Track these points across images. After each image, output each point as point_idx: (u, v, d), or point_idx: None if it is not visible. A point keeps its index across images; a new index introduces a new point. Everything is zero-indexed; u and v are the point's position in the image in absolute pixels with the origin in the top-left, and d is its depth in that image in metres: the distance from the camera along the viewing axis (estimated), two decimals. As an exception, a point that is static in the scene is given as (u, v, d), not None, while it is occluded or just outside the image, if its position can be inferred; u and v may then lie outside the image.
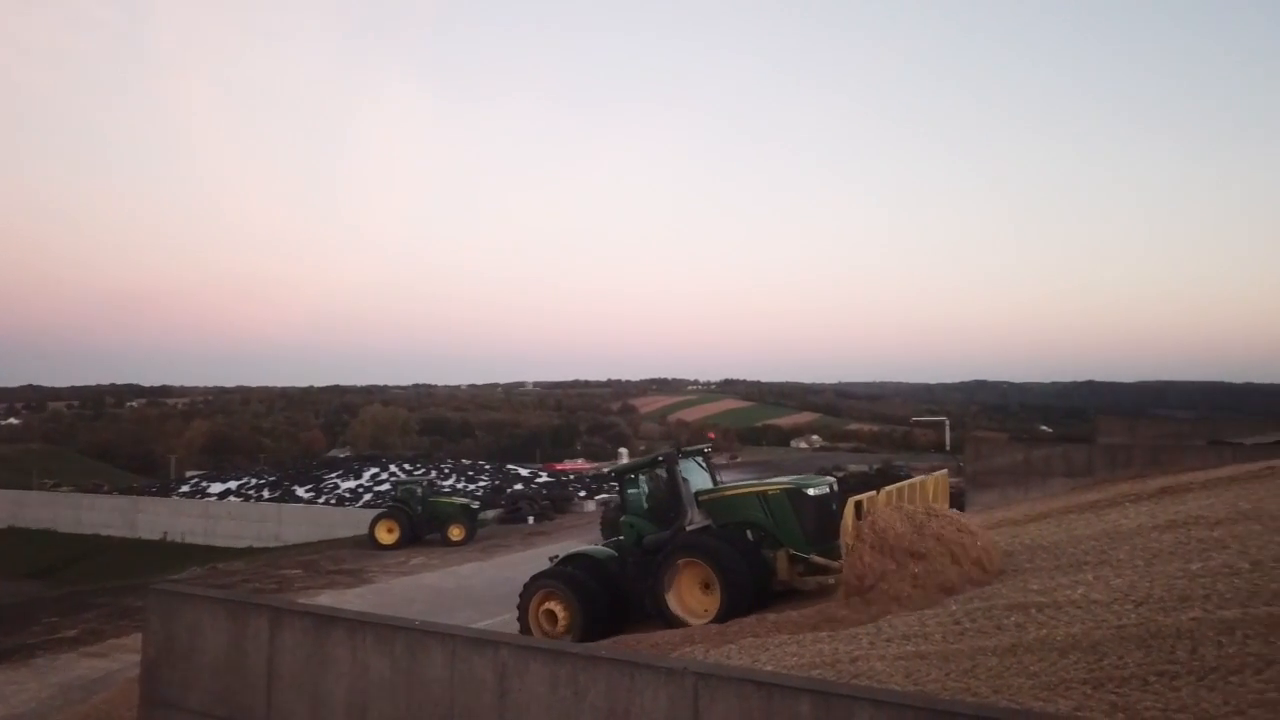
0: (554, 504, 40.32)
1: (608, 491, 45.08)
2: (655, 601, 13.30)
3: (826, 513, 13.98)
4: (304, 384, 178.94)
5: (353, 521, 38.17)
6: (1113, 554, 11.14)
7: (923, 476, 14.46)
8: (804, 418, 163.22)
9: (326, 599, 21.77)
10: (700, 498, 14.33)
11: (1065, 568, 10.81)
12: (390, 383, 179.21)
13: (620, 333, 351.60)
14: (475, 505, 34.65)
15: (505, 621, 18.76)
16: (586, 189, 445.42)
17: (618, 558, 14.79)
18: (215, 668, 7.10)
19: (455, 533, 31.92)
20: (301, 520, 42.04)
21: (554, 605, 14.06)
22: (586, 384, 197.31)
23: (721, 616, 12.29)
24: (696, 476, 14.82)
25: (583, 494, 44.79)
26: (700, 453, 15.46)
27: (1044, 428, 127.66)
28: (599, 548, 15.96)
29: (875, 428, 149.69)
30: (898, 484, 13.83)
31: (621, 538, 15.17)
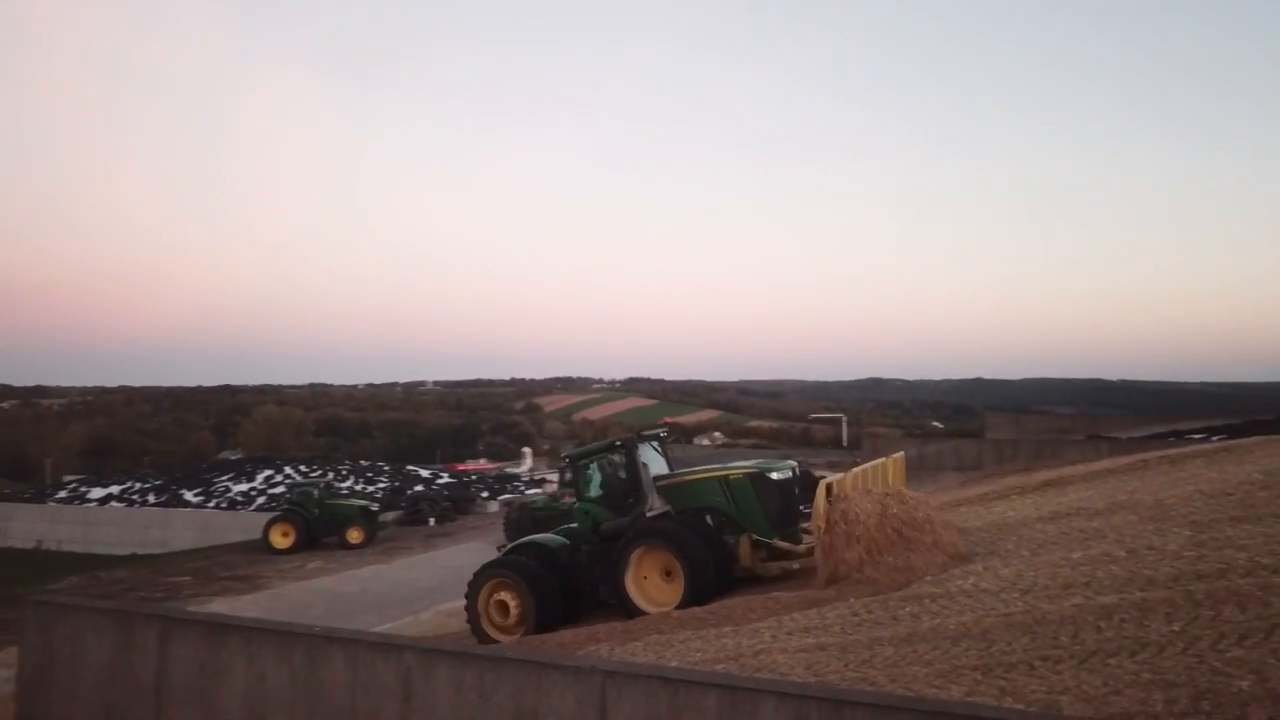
0: (456, 505, 39.70)
1: (511, 491, 44.73)
2: (615, 590, 12.97)
3: (789, 497, 13.86)
4: (192, 383, 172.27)
5: (245, 526, 36.81)
6: (1000, 545, 11.63)
7: (883, 459, 14.30)
8: (707, 415, 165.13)
9: (219, 606, 20.94)
10: (659, 483, 13.94)
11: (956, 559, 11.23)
12: (284, 382, 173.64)
13: (524, 331, 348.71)
14: (374, 507, 33.85)
15: (407, 625, 18.46)
16: (490, 184, 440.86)
17: (570, 546, 14.35)
18: (100, 682, 6.76)
19: (354, 535, 31.12)
20: (190, 525, 40.34)
21: (505, 596, 13.57)
22: (489, 383, 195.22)
23: (684, 604, 12.00)
24: (653, 462, 14.42)
25: (485, 494, 44.22)
26: (657, 437, 14.98)
27: (936, 424, 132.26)
28: (551, 536, 15.35)
29: (775, 424, 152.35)
30: (862, 467, 13.68)
31: (574, 525, 14.73)
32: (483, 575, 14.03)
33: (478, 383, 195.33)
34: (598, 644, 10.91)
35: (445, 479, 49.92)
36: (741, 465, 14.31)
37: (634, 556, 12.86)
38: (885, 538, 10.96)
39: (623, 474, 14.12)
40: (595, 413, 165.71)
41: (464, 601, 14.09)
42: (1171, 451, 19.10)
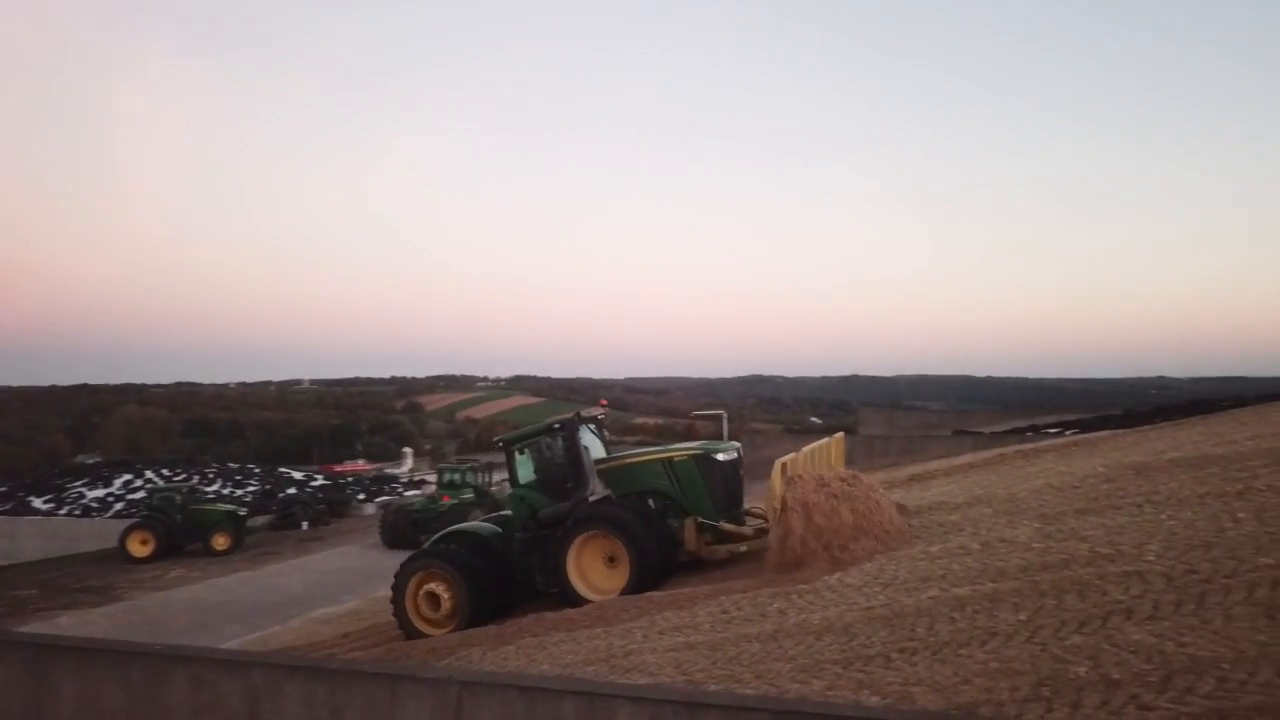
0: (330, 508, 38.52)
1: (389, 493, 43.70)
2: (556, 578, 12.52)
3: (734, 478, 13.59)
4: (45, 382, 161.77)
5: (101, 534, 34.78)
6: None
7: (826, 439, 14.07)
8: (593, 412, 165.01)
9: (68, 621, 19.71)
10: (598, 467, 13.49)
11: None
12: (149, 381, 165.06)
13: (405, 328, 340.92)
14: (242, 512, 32.53)
15: (275, 634, 17.77)
16: (373, 175, 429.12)
17: (503, 534, 13.87)
18: (-90, 712, 6.21)
19: (220, 542, 29.80)
20: (38, 534, 37.82)
21: (436, 587, 12.98)
22: (368, 381, 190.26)
23: (629, 590, 11.68)
24: (591, 445, 13.95)
25: (361, 496, 43.04)
26: (594, 420, 14.47)
27: (814, 419, 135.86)
28: (482, 523, 14.84)
29: (660, 421, 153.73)
30: (810, 446, 13.38)
31: (507, 512, 14.30)
32: (410, 566, 13.43)
33: (356, 381, 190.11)
34: (470, 648, 10.73)
35: (320, 481, 48.35)
36: (686, 447, 14.02)
37: (576, 543, 12.41)
38: (842, 520, 10.78)
39: (561, 457, 13.53)
40: (479, 411, 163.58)
41: (336, 608, 13.61)
42: (1027, 446, 20.14)
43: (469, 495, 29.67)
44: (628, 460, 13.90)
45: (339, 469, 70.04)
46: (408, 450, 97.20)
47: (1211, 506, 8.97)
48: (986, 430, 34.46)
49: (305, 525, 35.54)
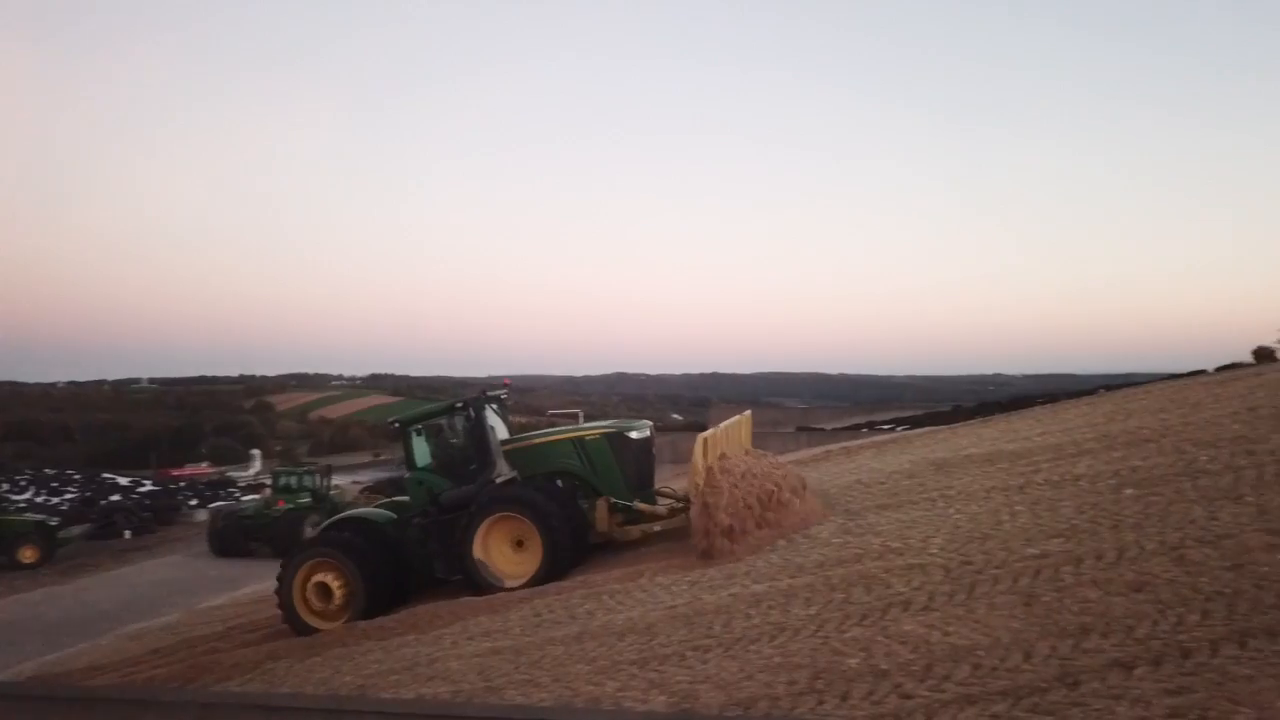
0: (157, 515, 36.30)
1: (225, 498, 41.58)
2: (460, 565, 11.93)
3: (647, 457, 13.25)
4: None
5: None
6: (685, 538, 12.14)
7: (736, 417, 13.65)
8: (497, 392, 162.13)
9: None
10: (504, 447, 12.95)
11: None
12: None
13: (254, 325, 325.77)
14: (54, 521, 30.25)
15: (81, 652, 16.57)
16: (220, 165, 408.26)
17: (398, 520, 13.14)
18: None
19: (27, 554, 27.63)
20: None
21: (327, 578, 12.20)
22: (214, 380, 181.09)
23: (542, 575, 11.29)
24: (495, 425, 13.34)
25: (194, 502, 40.75)
26: (497, 399, 13.78)
27: (675, 416, 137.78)
28: (374, 509, 14.02)
29: (523, 419, 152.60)
30: (725, 424, 12.88)
31: (404, 497, 13.49)
32: (299, 556, 12.65)
33: (201, 380, 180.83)
34: (277, 661, 10.32)
35: (148, 487, 45.52)
36: (598, 425, 13.57)
37: (483, 527, 11.83)
38: (762, 500, 10.62)
39: (464, 438, 12.91)
40: (334, 411, 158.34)
41: (152, 622, 12.71)
42: (854, 443, 20.97)
43: (306, 500, 28.59)
44: (536, 440, 13.44)
45: (177, 473, 66.35)
46: (256, 452, 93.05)
47: (995, 500, 9.50)
48: (829, 427, 35.74)
49: (128, 534, 33.41)
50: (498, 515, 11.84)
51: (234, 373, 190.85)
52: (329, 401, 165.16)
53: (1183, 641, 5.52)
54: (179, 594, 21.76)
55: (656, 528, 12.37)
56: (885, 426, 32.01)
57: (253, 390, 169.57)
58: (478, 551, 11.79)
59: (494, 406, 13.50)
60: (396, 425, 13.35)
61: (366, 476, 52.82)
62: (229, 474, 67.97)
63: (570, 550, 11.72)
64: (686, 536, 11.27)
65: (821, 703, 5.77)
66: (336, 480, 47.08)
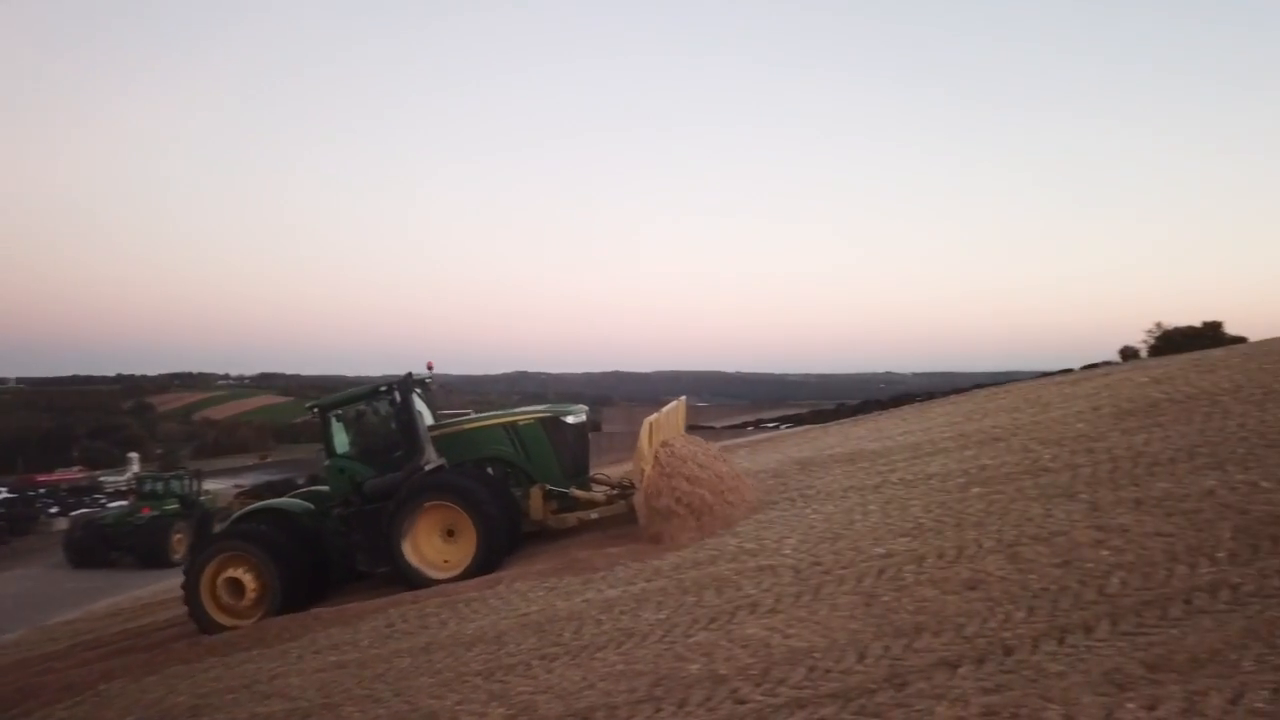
0: (11, 524, 34.03)
1: (91, 505, 39.40)
2: (388, 557, 11.30)
3: (582, 442, 12.81)
4: None
5: None
6: (556, 539, 11.96)
7: (673, 402, 13.20)
8: (422, 375, 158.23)
9: None
10: (430, 433, 12.38)
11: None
12: None
13: (133, 323, 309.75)
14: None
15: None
16: (90, 148, 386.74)
17: (315, 510, 12.48)
18: None
19: None
20: None
21: (240, 573, 11.48)
22: (89, 380, 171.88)
23: (476, 566, 10.76)
24: (422, 410, 12.76)
25: (54, 510, 38.35)
26: (421, 384, 13.12)
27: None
28: (290, 500, 13.34)
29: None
30: (665, 409, 12.42)
31: (321, 487, 12.83)
32: (208, 549, 11.88)
33: (75, 380, 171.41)
34: (111, 681, 9.73)
35: (2, 494, 42.70)
36: (532, 410, 12.94)
37: (412, 517, 11.26)
38: (708, 487, 10.42)
39: (389, 423, 12.30)
40: (220, 411, 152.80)
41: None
42: (733, 442, 21.14)
43: (173, 506, 27.27)
44: (465, 426, 12.85)
45: (43, 478, 62.58)
46: (133, 455, 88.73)
47: (850, 500, 9.64)
48: (718, 425, 36.06)
49: (-26, 547, 31.27)
50: (428, 504, 11.29)
51: (111, 372, 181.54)
52: (215, 402, 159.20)
53: (1006, 639, 5.62)
54: (29, 609, 20.47)
55: (594, 515, 11.96)
56: (770, 425, 32.46)
57: (132, 390, 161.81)
58: (406, 543, 11.24)
59: (419, 391, 12.90)
60: (315, 410, 12.60)
61: (251, 479, 50.78)
62: (101, 479, 64.51)
63: (505, 538, 11.29)
64: (625, 524, 11.04)
65: (659, 710, 5.68)
66: (214, 484, 45.20)
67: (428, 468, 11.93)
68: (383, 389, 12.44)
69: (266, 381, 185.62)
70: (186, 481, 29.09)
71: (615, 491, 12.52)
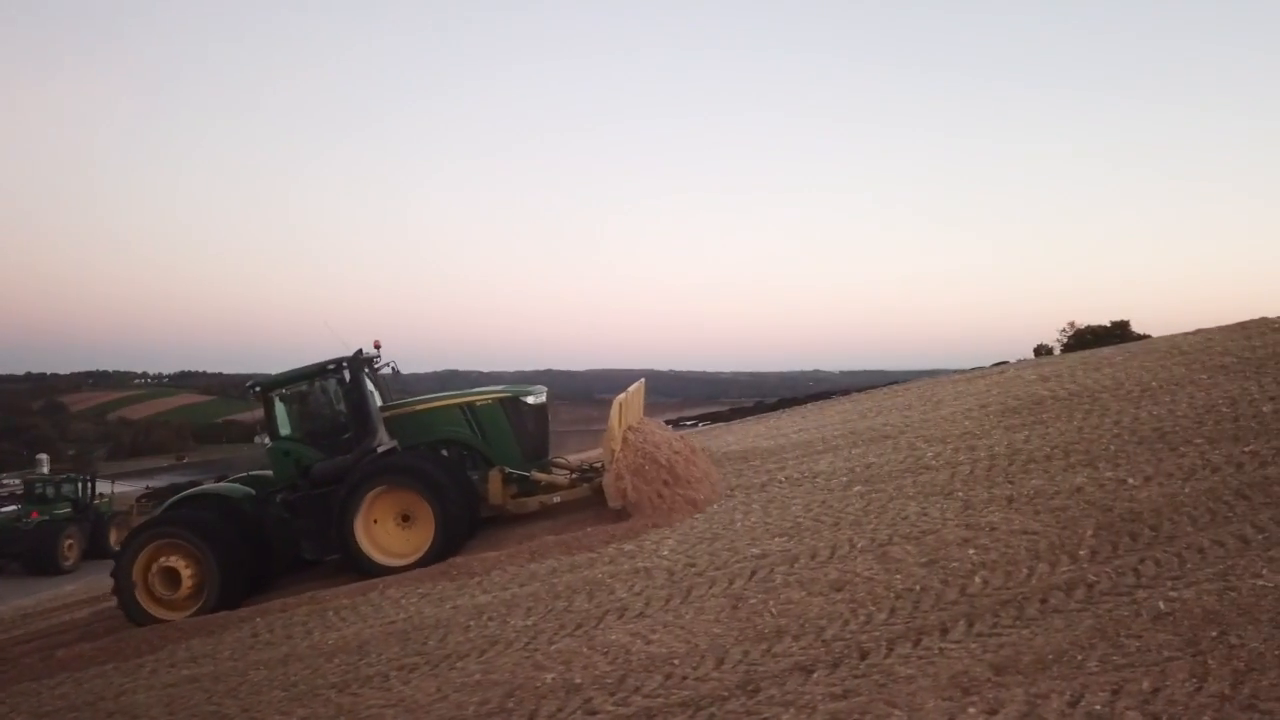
0: None
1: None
2: (338, 544, 10.66)
3: (543, 424, 12.27)
4: None
5: None
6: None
7: (636, 384, 12.84)
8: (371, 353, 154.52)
9: None
10: (381, 414, 11.70)
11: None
12: None
13: (44, 319, 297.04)
14: None
15: None
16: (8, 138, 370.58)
17: (255, 496, 11.79)
18: None
19: None
20: None
21: (175, 561, 10.70)
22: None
23: (433, 554, 10.20)
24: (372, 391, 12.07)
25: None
26: (369, 362, 12.32)
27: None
28: (229, 484, 12.54)
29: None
30: (631, 389, 12.08)
31: (263, 472, 12.15)
32: (139, 537, 11.07)
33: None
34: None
35: None
36: (490, 390, 12.31)
37: (366, 501, 10.61)
38: (679, 467, 10.13)
39: (337, 403, 11.62)
40: (136, 411, 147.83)
41: None
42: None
43: (64, 510, 26.09)
44: (418, 407, 12.21)
45: (-61, 482, 59.49)
46: (43, 457, 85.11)
47: (736, 499, 9.50)
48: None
49: None
50: (382, 488, 10.71)
51: (20, 370, 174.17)
52: (131, 401, 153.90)
53: (863, 642, 5.51)
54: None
55: (556, 499, 11.48)
56: (689, 423, 32.44)
57: (42, 389, 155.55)
58: (359, 529, 10.60)
59: (367, 370, 12.14)
60: (256, 389, 11.87)
61: (166, 481, 48.95)
62: (4, 481, 61.68)
63: (464, 523, 10.78)
64: (589, 508, 10.74)
65: (508, 722, 5.43)
66: (126, 487, 43.48)
67: (380, 450, 11.33)
68: (330, 366, 11.69)
69: (186, 380, 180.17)
70: (80, 484, 27.87)
71: (577, 475, 12.10)
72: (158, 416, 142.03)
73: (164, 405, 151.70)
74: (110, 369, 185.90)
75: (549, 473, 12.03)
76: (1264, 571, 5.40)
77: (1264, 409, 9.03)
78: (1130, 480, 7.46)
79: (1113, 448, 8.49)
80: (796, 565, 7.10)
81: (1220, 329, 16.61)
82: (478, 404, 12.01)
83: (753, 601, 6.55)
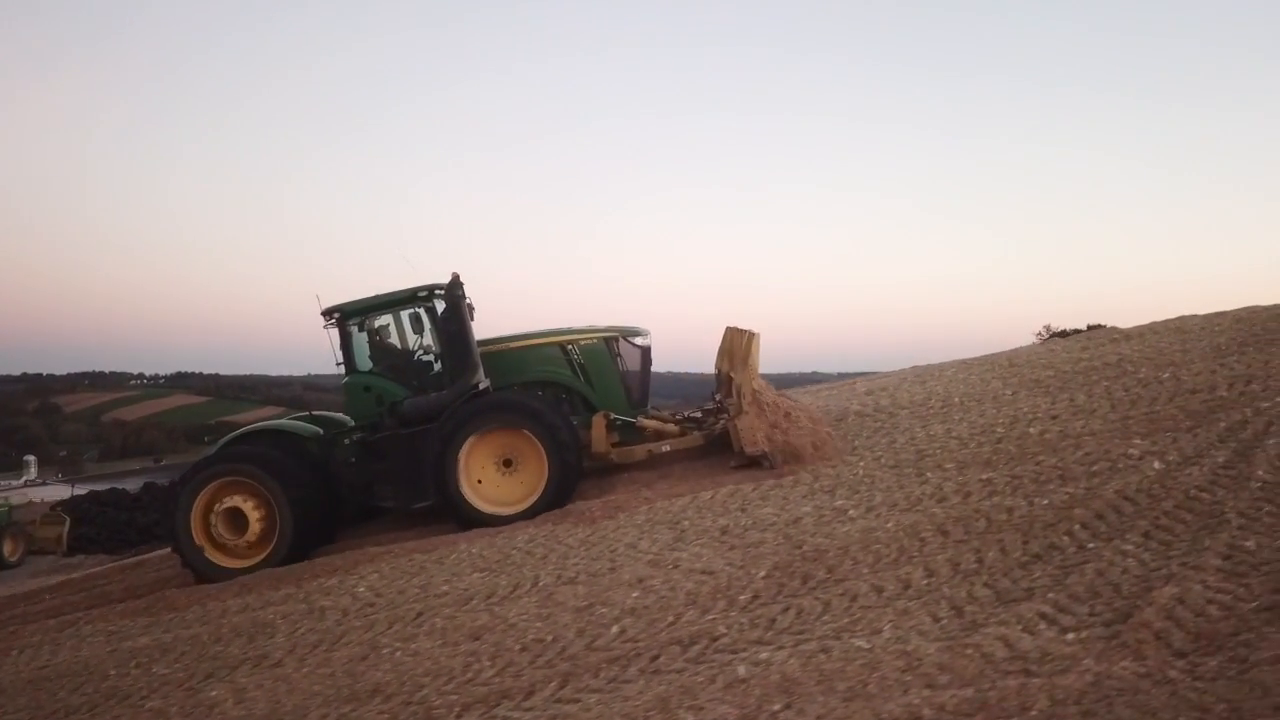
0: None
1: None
2: (438, 491, 9.69)
3: (647, 370, 11.32)
4: None
5: None
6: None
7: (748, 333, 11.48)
8: (267, 412, 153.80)
9: None
10: None
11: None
12: None
13: (38, 319, 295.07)
14: None
15: None
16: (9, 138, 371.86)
17: (324, 436, 10.78)
18: None
19: None
20: None
21: (241, 502, 9.76)
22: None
23: (546, 501, 9.44)
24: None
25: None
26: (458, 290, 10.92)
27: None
28: (295, 421, 11.28)
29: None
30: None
31: (327, 413, 11.34)
32: (202, 474, 9.99)
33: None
34: None
35: None
36: (594, 328, 11.07)
37: (469, 443, 9.66)
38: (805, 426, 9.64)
39: (430, 336, 10.52)
40: (131, 412, 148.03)
41: None
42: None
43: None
44: (512, 345, 10.98)
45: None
46: (30, 458, 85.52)
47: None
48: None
49: None
50: (488, 429, 9.76)
51: (15, 371, 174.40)
52: (126, 402, 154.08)
53: (436, 709, 4.90)
54: None
55: (666, 447, 10.37)
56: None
57: (37, 390, 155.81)
58: (461, 474, 9.66)
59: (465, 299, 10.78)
60: (335, 317, 10.53)
61: (133, 484, 48.19)
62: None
63: (577, 471, 9.83)
64: (703, 457, 10.14)
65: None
66: (82, 489, 42.62)
67: (480, 388, 10.17)
68: (422, 293, 10.48)
69: (182, 381, 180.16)
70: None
71: (686, 420, 11.21)
72: (152, 417, 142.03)
73: (159, 406, 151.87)
74: (106, 370, 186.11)
75: (650, 418, 10.95)
76: (885, 627, 4.67)
77: (1030, 430, 8.27)
78: (851, 511, 6.74)
79: (861, 472, 7.78)
80: (467, 607, 6.53)
81: (1069, 338, 16.40)
82: (581, 343, 10.89)
83: (386, 650, 5.97)
